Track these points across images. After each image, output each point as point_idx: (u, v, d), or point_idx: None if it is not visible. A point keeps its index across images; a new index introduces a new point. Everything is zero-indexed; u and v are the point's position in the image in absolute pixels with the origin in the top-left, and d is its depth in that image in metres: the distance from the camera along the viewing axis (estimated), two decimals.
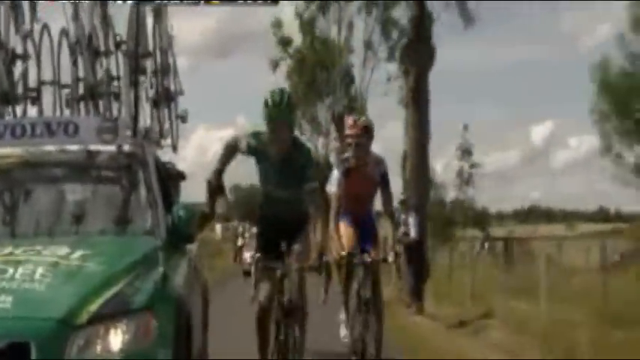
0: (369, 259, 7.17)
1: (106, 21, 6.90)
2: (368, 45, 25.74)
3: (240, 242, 32.82)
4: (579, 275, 14.89)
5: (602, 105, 30.36)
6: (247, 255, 30.63)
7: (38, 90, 6.93)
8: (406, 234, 13.66)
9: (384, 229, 7.80)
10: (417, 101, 16.73)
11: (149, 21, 7.11)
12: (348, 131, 7.38)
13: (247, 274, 29.97)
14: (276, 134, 6.13)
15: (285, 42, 30.06)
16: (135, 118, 6.02)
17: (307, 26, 27.95)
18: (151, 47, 7.08)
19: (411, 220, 13.94)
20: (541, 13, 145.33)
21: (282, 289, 6.29)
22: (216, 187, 6.28)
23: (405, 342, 9.83)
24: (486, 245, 30.29)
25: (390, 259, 7.33)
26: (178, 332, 4.76)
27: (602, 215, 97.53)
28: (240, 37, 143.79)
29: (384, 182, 7.46)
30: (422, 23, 17.20)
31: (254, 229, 34.06)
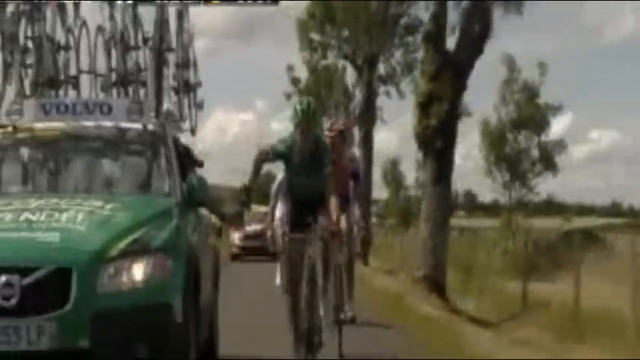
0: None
1: (136, 20, 8.10)
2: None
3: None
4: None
5: None
6: (236, 236, 29.46)
7: (77, 77, 8.14)
8: None
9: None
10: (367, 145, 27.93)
11: (173, 20, 8.29)
12: (326, 133, 8.96)
13: (236, 257, 28.45)
14: (304, 137, 7.41)
15: (295, 81, 35.38)
16: (158, 103, 7.22)
17: (314, 68, 33.22)
18: (173, 43, 8.26)
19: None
20: (563, 2, 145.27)
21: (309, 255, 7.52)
22: (247, 201, 7.73)
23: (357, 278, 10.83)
24: None
25: None
26: (188, 271, 5.92)
27: (614, 210, 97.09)
28: (260, 22, 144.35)
29: (354, 176, 9.24)
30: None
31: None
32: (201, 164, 8.19)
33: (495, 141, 35.84)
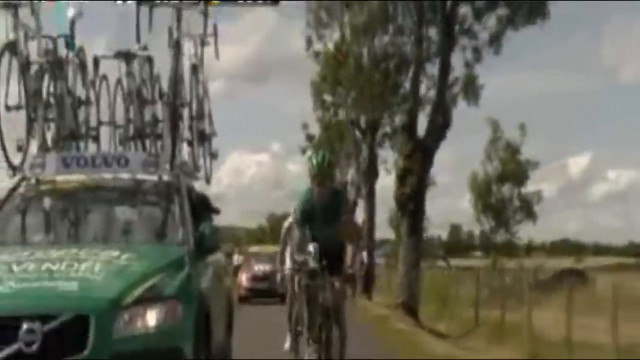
0: None
1: (152, 76, 8.55)
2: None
3: (235, 261, 29.58)
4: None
5: None
6: (244, 277, 27.73)
7: (97, 129, 8.58)
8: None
9: None
10: (370, 198, 32.04)
11: (187, 74, 8.73)
12: None
13: (244, 300, 25.65)
14: (320, 188, 7.87)
15: (310, 137, 38.49)
16: (172, 155, 7.65)
17: (327, 125, 36.35)
18: (188, 96, 8.69)
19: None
20: (580, 41, 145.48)
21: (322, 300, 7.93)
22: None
23: (359, 309, 14.96)
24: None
25: None
26: (199, 317, 6.32)
27: (632, 249, 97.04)
28: (276, 64, 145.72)
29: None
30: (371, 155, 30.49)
31: (251, 249, 33.01)
32: (217, 211, 8.58)
33: (482, 192, 41.41)
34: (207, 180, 9.08)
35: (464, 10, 21.29)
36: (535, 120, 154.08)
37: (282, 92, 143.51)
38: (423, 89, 23.02)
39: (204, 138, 9.06)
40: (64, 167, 7.45)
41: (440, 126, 21.35)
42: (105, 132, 8.64)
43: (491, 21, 21.38)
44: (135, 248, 6.78)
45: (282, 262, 8.98)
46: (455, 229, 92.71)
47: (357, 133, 33.40)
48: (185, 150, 8.70)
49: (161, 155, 7.76)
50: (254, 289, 27.41)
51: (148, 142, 8.55)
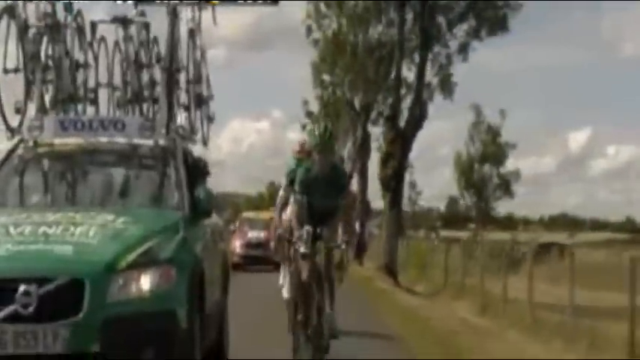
0: None
1: (148, 40, 8.61)
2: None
3: (231, 226, 27.10)
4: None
5: None
6: (238, 244, 26.62)
7: (95, 91, 8.66)
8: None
9: None
10: (363, 173, 34.57)
11: (184, 39, 8.79)
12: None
13: (237, 267, 21.87)
14: (322, 160, 7.99)
15: (310, 114, 40.51)
16: (168, 120, 7.73)
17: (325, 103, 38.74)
18: (185, 61, 8.76)
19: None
20: (581, 15, 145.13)
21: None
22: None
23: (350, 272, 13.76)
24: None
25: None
26: (193, 282, 6.42)
27: (629, 225, 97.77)
28: (276, 31, 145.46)
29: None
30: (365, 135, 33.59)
31: (245, 215, 30.59)
32: (208, 174, 8.69)
33: (465, 170, 46.22)
34: (205, 143, 9.18)
35: (440, 19, 25.38)
36: (535, 94, 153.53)
37: (283, 59, 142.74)
38: (411, 76, 26.79)
39: (201, 101, 9.15)
40: (61, 130, 7.54)
41: (417, 118, 25.76)
42: (103, 95, 8.74)
43: (460, 32, 25.74)
44: (130, 212, 6.89)
45: (276, 228, 9.11)
46: (452, 201, 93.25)
47: (353, 112, 35.77)
48: (182, 114, 8.80)
49: (157, 119, 7.83)
50: (248, 256, 26.52)
51: (145, 106, 8.64)
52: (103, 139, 7.64)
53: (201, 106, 9.17)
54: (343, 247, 8.36)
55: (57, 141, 7.59)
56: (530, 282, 14.12)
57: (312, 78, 36.16)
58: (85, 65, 8.41)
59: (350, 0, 27.53)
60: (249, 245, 26.98)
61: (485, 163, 45.99)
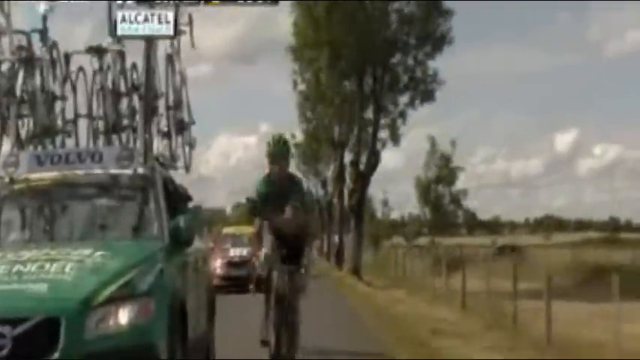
0: None
1: (124, 70, 8.49)
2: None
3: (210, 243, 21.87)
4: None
5: None
6: (218, 264, 22.87)
7: (75, 122, 8.55)
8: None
9: None
10: (340, 196, 41.39)
11: (162, 66, 8.69)
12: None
13: (219, 289, 16.66)
14: (276, 169, 8.18)
15: (297, 145, 47.99)
16: (146, 148, 7.62)
17: (311, 134, 46.43)
18: (164, 87, 8.66)
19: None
20: (567, 17, 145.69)
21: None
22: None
23: (330, 276, 30.01)
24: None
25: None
26: (172, 313, 6.31)
27: (612, 224, 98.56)
28: (264, 45, 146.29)
29: None
30: (340, 167, 40.87)
31: (225, 230, 28.18)
32: (190, 199, 8.59)
33: (424, 190, 56.59)
34: (187, 169, 9.07)
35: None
36: (521, 97, 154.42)
37: (270, 73, 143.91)
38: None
39: (182, 127, 9.04)
40: (37, 165, 7.45)
41: (372, 164, 35.42)
42: (83, 126, 8.63)
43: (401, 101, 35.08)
44: (108, 245, 6.77)
45: (259, 244, 8.95)
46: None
47: (331, 146, 42.04)
48: (163, 141, 8.70)
49: (135, 149, 7.72)
50: (230, 277, 22.69)
51: (124, 135, 8.53)
52: (80, 172, 7.52)
53: (183, 132, 9.06)
54: (303, 271, 8.37)
55: (33, 176, 7.47)
56: (463, 276, 18.43)
57: (298, 114, 44.15)
58: (62, 97, 8.30)
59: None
60: (230, 264, 23.53)
61: (439, 184, 56.58)
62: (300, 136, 47.52)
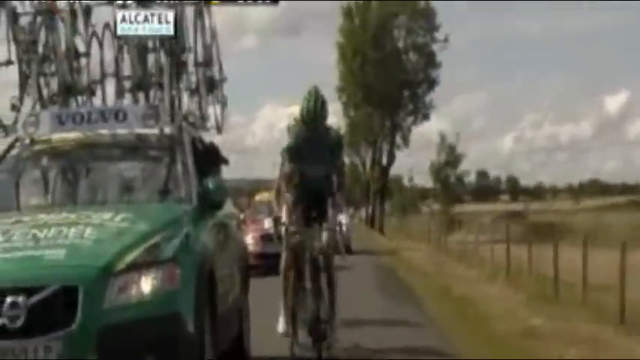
0: None
1: None
2: None
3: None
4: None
5: None
6: (250, 237, 18.31)
7: (102, 81, 8.12)
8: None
9: None
10: (373, 178, 65.31)
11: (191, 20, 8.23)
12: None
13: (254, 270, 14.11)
14: (314, 130, 7.57)
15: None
16: (172, 105, 7.17)
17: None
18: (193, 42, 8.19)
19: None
20: None
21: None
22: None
23: (363, 232, 45.87)
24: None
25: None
26: (200, 280, 5.85)
27: None
28: (308, 15, 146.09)
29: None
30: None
31: (258, 197, 23.80)
32: (226, 162, 8.12)
33: (437, 172, 66.09)
34: (219, 129, 8.63)
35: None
36: (570, 59, 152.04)
37: (314, 44, 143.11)
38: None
39: (212, 86, 8.58)
40: (58, 125, 7.01)
41: (389, 162, 62.12)
42: (110, 85, 8.21)
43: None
44: (131, 208, 6.35)
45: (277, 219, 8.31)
46: (481, 175, 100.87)
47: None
48: (193, 99, 8.27)
49: (160, 107, 7.27)
50: (267, 255, 17.63)
51: (152, 93, 8.09)
52: (104, 132, 7.10)
53: (213, 90, 8.60)
54: (338, 228, 7.96)
55: (55, 137, 7.07)
56: (445, 233, 31.15)
57: (342, 111, 61.02)
58: (86, 54, 7.87)
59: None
60: (265, 238, 18.36)
61: (447, 166, 66.03)
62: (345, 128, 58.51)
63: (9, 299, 5.24)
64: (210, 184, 6.72)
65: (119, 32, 7.46)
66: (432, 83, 59.51)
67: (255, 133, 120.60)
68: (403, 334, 9.90)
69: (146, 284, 5.51)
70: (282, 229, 7.83)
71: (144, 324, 5.41)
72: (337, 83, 58.09)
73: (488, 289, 14.91)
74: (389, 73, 56.53)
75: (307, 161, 7.62)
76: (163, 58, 7.86)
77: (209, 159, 7.63)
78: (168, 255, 5.69)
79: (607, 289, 11.73)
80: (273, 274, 13.22)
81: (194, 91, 8.15)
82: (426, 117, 60.07)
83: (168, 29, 7.35)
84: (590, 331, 9.72)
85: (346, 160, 57.51)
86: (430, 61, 59.17)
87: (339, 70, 58.26)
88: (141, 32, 7.39)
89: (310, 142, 7.53)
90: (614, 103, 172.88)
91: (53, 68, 7.63)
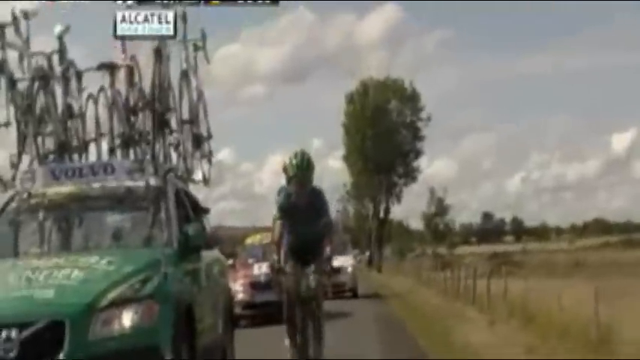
0: None
1: (133, 85, 8.66)
2: None
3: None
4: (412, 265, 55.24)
5: None
6: (239, 284, 16.88)
7: (97, 140, 8.78)
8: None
9: None
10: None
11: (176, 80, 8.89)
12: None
13: (243, 319, 16.26)
14: (300, 190, 7.94)
15: (347, 192, 78.66)
16: (155, 160, 7.83)
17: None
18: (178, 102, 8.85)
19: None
20: (621, 17, 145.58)
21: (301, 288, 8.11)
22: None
23: (364, 271, 51.75)
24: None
25: None
26: (178, 316, 6.49)
27: None
28: (314, 63, 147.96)
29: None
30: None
31: (248, 241, 21.91)
32: (206, 211, 8.74)
33: (429, 219, 78.55)
34: (206, 181, 9.26)
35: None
36: (577, 97, 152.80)
37: (321, 88, 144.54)
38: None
39: (199, 141, 9.23)
40: (52, 179, 7.70)
41: (385, 213, 75.22)
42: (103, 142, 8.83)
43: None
44: (116, 252, 7.00)
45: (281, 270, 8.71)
46: (486, 216, 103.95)
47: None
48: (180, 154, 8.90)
49: (146, 161, 7.92)
50: (256, 304, 16.83)
51: (141, 150, 8.73)
52: (94, 185, 7.76)
53: (200, 146, 9.25)
54: (312, 277, 8.16)
55: (50, 190, 7.73)
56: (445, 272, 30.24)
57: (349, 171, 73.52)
58: (80, 115, 8.53)
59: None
60: (255, 286, 17.10)
61: (435, 217, 78.07)
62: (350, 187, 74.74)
63: (3, 334, 5.91)
64: (190, 230, 7.37)
65: (119, 32, 7.89)
66: (417, 153, 73.45)
67: (263, 181, 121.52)
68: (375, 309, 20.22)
69: (127, 319, 6.16)
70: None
71: (126, 355, 6.04)
72: (343, 153, 73.48)
73: (434, 298, 23.63)
74: (384, 145, 69.61)
75: (298, 221, 8.04)
76: (148, 117, 8.51)
77: (193, 208, 8.28)
78: (147, 292, 6.34)
79: (501, 297, 16.75)
80: (264, 324, 14.40)
81: (175, 147, 8.76)
82: (414, 179, 73.90)
83: (168, 29, 7.81)
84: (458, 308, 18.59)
85: (351, 210, 76.37)
86: (416, 135, 72.70)
87: (345, 144, 72.61)
88: (141, 32, 7.87)
89: (297, 207, 7.96)
90: (621, 141, 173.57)
91: (49, 128, 8.28)
